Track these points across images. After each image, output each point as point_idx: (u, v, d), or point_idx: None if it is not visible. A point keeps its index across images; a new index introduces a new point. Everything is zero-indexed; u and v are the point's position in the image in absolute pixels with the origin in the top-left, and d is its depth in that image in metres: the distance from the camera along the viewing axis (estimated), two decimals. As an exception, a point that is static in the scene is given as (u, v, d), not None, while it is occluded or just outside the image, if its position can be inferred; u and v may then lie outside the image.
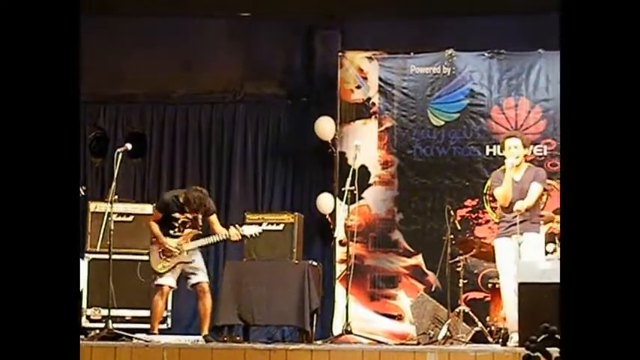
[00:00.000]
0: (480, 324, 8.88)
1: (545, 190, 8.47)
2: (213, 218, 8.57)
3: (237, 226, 8.56)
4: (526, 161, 8.51)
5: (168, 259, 8.42)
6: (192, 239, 8.49)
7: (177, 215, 8.45)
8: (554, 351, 3.60)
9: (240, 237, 8.55)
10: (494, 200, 10.00)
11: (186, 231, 8.47)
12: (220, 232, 8.51)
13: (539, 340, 3.60)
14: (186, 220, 8.46)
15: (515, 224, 8.05)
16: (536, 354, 3.59)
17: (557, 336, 3.59)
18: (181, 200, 8.41)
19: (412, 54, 10.54)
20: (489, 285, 9.28)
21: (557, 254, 8.86)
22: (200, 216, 8.50)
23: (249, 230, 8.58)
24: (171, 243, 8.41)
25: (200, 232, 8.58)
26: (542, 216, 8.48)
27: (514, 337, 7.79)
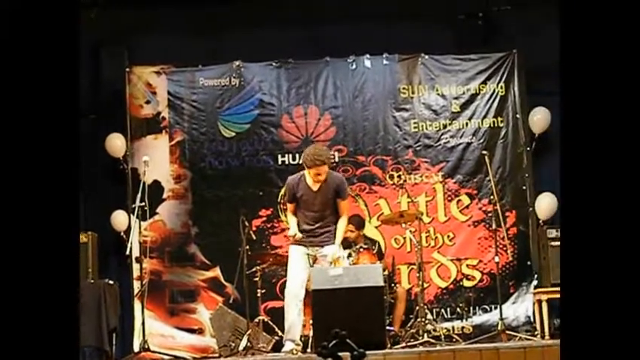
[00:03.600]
0: (280, 333, 8.96)
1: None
2: None
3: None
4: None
5: None
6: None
7: None
8: (346, 356, 3.67)
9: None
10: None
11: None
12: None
13: (330, 345, 3.67)
14: None
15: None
16: (328, 359, 3.66)
17: (348, 340, 3.66)
18: None
19: (200, 67, 10.53)
20: (287, 293, 9.39)
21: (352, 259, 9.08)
22: None
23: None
24: None
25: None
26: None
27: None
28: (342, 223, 8.36)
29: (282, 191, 9.08)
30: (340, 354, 3.65)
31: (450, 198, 10.43)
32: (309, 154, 8.26)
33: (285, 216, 10.11)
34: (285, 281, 9.69)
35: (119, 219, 10.19)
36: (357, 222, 9.66)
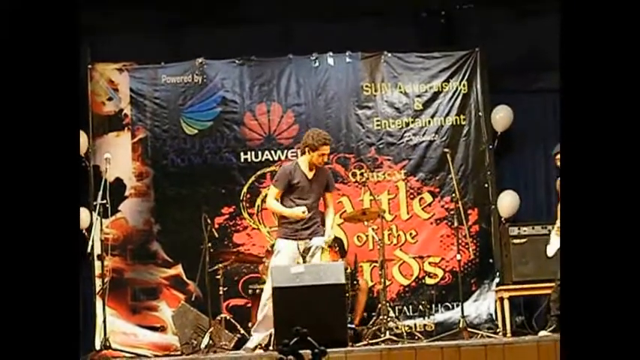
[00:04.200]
0: (242, 330, 8.95)
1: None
2: None
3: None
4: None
5: None
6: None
7: None
8: (307, 353, 3.67)
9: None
10: (251, 206, 10.16)
11: None
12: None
13: (291, 343, 3.67)
14: None
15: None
16: (289, 357, 3.66)
17: (309, 338, 3.67)
18: None
19: (163, 64, 10.48)
20: (250, 291, 9.38)
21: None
22: None
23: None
24: None
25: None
26: None
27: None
28: (332, 213, 8.49)
29: (275, 177, 8.83)
30: (301, 352, 3.65)
31: (412, 196, 10.46)
32: (316, 134, 8.36)
33: (249, 214, 10.16)
34: (248, 279, 9.72)
35: (81, 217, 10.12)
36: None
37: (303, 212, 8.13)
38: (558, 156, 8.45)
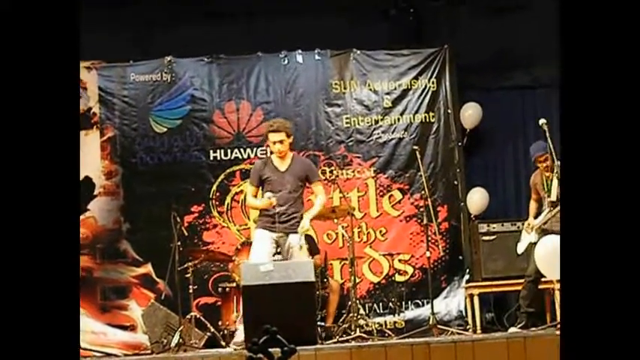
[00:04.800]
0: (212, 329, 8.93)
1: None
2: None
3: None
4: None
5: None
6: None
7: None
8: (277, 351, 3.66)
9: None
10: (221, 204, 10.13)
11: None
12: None
13: (261, 341, 3.66)
14: None
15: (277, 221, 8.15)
16: (258, 355, 3.65)
17: (279, 336, 3.66)
18: None
19: (131, 62, 10.44)
20: (220, 289, 9.37)
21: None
22: None
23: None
24: None
25: None
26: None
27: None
28: (320, 201, 8.44)
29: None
30: (271, 350, 3.64)
31: (382, 193, 10.48)
32: (268, 124, 8.48)
33: (218, 213, 10.15)
34: (218, 277, 9.69)
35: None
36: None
37: (270, 198, 8.11)
38: (541, 157, 8.49)
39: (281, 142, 8.24)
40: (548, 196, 8.45)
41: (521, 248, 8.90)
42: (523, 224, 8.99)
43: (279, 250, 8.25)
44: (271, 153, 8.47)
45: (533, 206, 8.91)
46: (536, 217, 8.77)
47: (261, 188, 8.31)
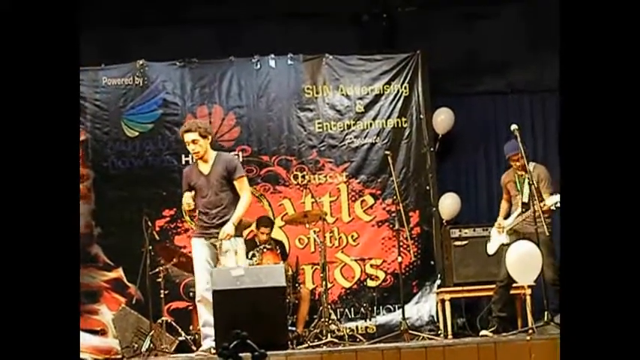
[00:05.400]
0: (183, 333, 8.90)
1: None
2: None
3: None
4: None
5: None
6: None
7: None
8: (247, 356, 3.66)
9: None
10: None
11: None
12: None
13: (231, 346, 3.65)
14: None
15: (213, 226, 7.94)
16: (228, 360, 3.64)
17: (249, 341, 3.65)
18: None
19: (103, 65, 10.40)
20: (191, 294, 9.34)
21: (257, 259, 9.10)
22: None
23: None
24: None
25: None
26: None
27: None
28: (242, 201, 7.95)
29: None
30: (241, 355, 3.64)
31: (354, 198, 10.49)
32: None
33: (190, 217, 10.10)
34: (189, 281, 9.65)
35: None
36: (267, 222, 9.69)
37: (187, 201, 7.97)
38: (515, 156, 8.53)
39: (194, 142, 7.99)
40: (521, 197, 8.49)
41: (491, 249, 8.93)
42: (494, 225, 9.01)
43: (217, 257, 7.92)
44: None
45: (504, 206, 8.95)
46: (506, 218, 8.81)
47: (194, 194, 8.09)
